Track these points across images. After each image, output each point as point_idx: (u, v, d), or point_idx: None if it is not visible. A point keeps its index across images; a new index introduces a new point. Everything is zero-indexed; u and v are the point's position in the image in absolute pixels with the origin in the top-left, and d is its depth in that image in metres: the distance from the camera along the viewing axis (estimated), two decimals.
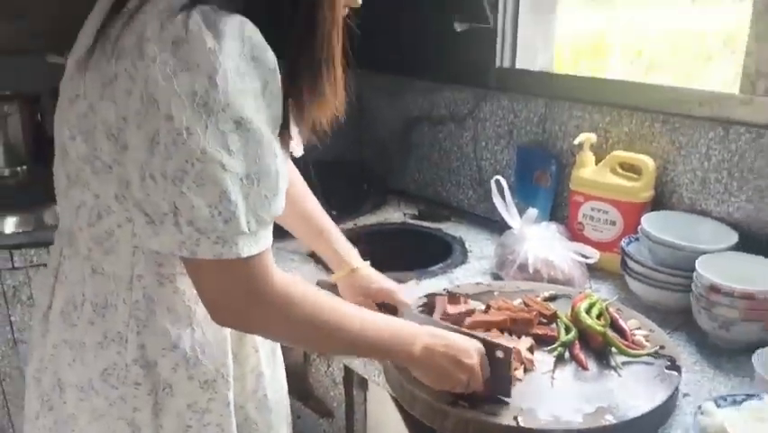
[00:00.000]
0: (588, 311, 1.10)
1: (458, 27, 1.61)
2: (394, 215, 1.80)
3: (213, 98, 0.68)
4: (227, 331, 0.89)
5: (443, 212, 1.78)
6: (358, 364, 1.17)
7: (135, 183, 0.73)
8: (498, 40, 1.67)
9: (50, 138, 0.86)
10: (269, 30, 0.72)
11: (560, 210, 1.57)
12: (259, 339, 0.96)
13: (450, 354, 0.91)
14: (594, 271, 1.40)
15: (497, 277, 1.41)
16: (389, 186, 1.97)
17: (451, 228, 1.69)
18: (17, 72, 1.93)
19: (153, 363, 0.84)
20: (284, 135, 0.78)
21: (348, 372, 1.28)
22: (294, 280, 0.82)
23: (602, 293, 1.33)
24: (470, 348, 0.93)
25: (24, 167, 2.05)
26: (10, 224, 1.77)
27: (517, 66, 1.70)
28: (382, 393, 1.14)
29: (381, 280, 1.15)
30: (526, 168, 1.60)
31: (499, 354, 0.94)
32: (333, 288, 1.18)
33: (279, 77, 0.73)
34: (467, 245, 1.59)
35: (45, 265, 1.20)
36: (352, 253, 1.17)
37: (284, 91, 0.74)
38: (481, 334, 1.00)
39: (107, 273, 0.83)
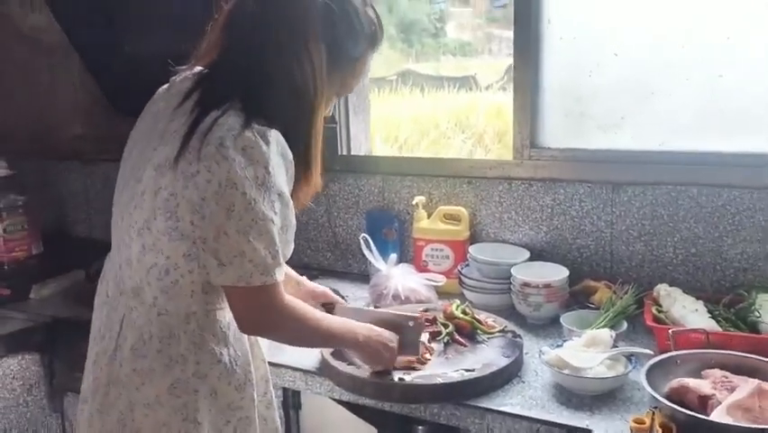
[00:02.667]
0: (457, 311, 1.63)
1: None
2: None
3: (267, 180, 1.08)
4: (248, 347, 1.24)
5: (311, 272, 2.20)
6: (301, 384, 1.56)
7: (210, 239, 1.09)
8: (338, 135, 2.19)
9: None
10: (287, 138, 1.14)
11: (405, 254, 2.11)
12: (265, 353, 1.32)
13: (381, 340, 1.38)
14: (439, 293, 1.94)
15: (377, 308, 1.87)
16: None
17: (323, 283, 2.10)
18: None
19: (205, 375, 1.17)
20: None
21: (285, 395, 1.63)
22: (292, 297, 1.22)
23: None
24: (391, 337, 1.40)
25: None
26: None
27: (352, 153, 2.24)
28: (315, 408, 1.55)
29: (319, 288, 1.58)
30: (375, 227, 2.11)
31: (410, 323, 1.42)
32: None
33: (293, 166, 1.15)
34: (342, 293, 2.03)
35: None
36: (293, 272, 1.55)
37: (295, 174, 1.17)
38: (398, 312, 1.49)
39: (170, 313, 1.16)
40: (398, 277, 1.89)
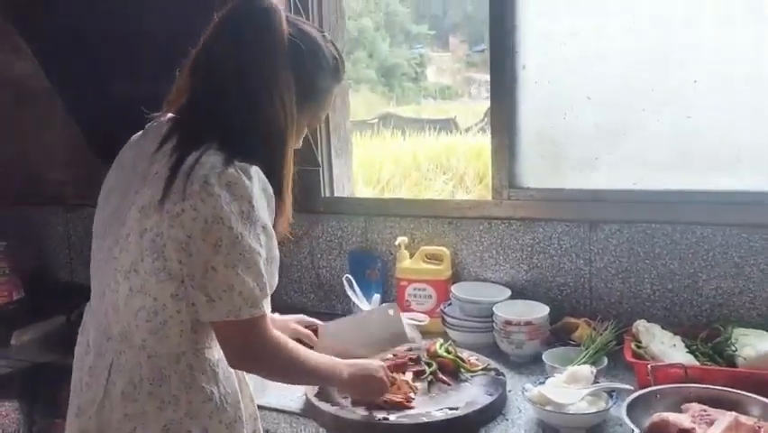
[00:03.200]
0: (440, 350, 1.64)
1: None
2: None
3: (252, 214, 1.11)
4: (237, 386, 1.24)
5: (296, 314, 2.21)
6: (285, 426, 1.55)
7: (198, 275, 1.10)
8: (321, 177, 2.23)
9: None
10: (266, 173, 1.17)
11: (389, 294, 2.13)
12: (252, 391, 1.32)
13: (365, 373, 1.40)
14: (423, 332, 1.95)
15: None
16: None
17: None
18: None
19: (197, 414, 1.17)
20: None
21: None
22: (279, 332, 1.23)
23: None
24: (376, 367, 1.42)
25: None
26: None
27: (335, 195, 2.27)
28: None
29: (294, 316, 1.64)
30: (359, 268, 2.13)
31: (390, 311, 1.57)
32: None
33: (274, 199, 1.19)
34: None
35: None
36: None
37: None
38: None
39: (160, 354, 1.16)
40: None
